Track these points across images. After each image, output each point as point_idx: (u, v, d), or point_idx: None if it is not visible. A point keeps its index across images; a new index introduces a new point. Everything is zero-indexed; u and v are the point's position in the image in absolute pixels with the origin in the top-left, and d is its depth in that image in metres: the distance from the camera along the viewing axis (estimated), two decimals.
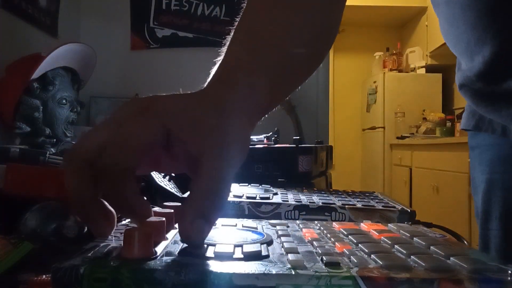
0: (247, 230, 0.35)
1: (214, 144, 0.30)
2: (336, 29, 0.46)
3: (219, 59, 0.38)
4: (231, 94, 0.33)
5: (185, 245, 0.29)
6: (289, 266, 0.25)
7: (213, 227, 0.35)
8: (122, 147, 0.29)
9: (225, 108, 0.32)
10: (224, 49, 0.38)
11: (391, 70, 4.32)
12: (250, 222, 0.37)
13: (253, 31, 0.40)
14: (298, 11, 0.41)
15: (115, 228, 0.32)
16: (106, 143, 0.29)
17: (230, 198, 0.53)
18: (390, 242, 0.31)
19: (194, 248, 0.28)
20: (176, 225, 0.36)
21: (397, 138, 3.91)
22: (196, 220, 0.28)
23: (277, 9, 0.41)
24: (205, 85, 0.35)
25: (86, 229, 0.44)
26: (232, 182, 0.30)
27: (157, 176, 0.66)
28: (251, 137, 1.15)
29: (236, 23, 0.40)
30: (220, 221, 0.37)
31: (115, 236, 0.31)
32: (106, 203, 0.30)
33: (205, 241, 0.30)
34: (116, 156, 0.29)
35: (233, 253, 0.27)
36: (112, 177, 0.29)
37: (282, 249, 0.29)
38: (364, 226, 0.37)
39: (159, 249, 0.28)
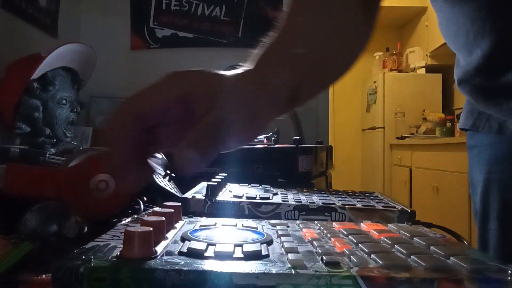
0: (247, 230, 0.35)
1: (221, 105, 0.33)
2: (367, 33, 0.47)
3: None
4: (251, 77, 0.36)
5: (185, 245, 0.29)
6: (289, 265, 0.25)
7: (213, 227, 0.35)
8: (140, 98, 0.33)
9: (241, 87, 0.35)
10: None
11: (391, 70, 4.32)
12: (250, 222, 0.37)
13: (283, 26, 0.41)
14: (329, 13, 0.42)
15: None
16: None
17: (230, 198, 0.53)
18: (390, 242, 0.31)
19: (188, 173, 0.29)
20: (176, 225, 0.36)
21: (397, 138, 3.90)
22: (189, 150, 0.30)
23: (309, 10, 0.41)
24: None
25: (86, 229, 0.44)
26: (227, 143, 0.33)
27: (157, 176, 0.66)
28: None
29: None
30: (220, 221, 0.37)
31: (115, 236, 0.31)
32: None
33: (205, 240, 0.30)
34: (134, 104, 0.33)
35: (233, 252, 0.27)
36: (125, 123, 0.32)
37: (282, 248, 0.29)
38: (364, 226, 0.37)
39: (159, 248, 0.28)
